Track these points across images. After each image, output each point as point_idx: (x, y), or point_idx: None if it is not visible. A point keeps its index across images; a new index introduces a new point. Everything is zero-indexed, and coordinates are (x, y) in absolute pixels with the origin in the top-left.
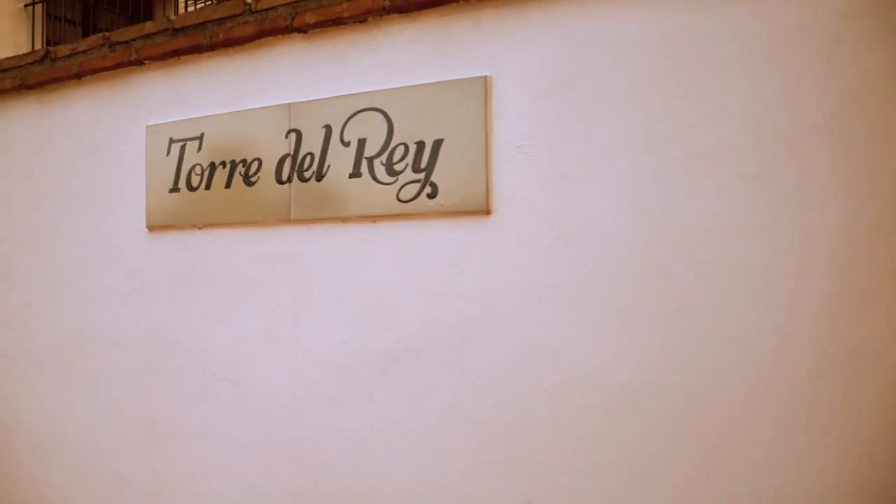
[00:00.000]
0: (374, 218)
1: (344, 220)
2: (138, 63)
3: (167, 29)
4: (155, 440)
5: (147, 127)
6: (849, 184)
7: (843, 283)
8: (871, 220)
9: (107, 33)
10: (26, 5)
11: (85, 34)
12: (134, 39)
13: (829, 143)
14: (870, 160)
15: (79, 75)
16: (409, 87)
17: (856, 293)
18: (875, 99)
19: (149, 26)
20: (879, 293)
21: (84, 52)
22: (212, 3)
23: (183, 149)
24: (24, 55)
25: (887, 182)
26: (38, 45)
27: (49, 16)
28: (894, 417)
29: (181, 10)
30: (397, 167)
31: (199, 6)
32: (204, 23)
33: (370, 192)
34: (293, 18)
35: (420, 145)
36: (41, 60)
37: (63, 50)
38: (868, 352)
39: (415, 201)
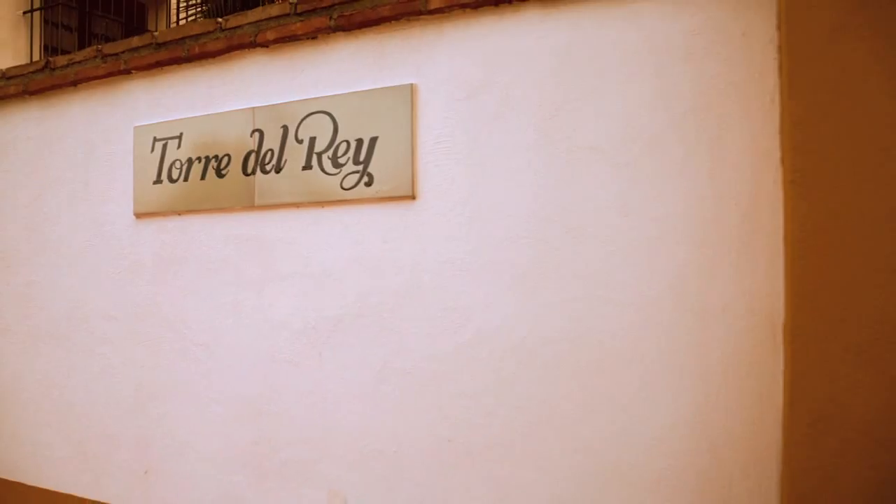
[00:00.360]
0: (322, 203)
1: (298, 205)
2: (126, 72)
3: (151, 43)
4: (141, 401)
5: (134, 128)
6: (697, 170)
7: (695, 252)
8: (715, 201)
9: (99, 46)
10: (25, 12)
11: (81, 40)
12: (123, 52)
13: (683, 136)
14: (713, 151)
15: (75, 83)
16: (351, 93)
17: (704, 260)
18: (717, 100)
19: (135, 41)
20: (723, 260)
21: (79, 62)
22: (196, 13)
23: (165, 146)
24: (27, 65)
25: (727, 168)
26: (36, 51)
27: (47, 22)
28: (735, 358)
29: (173, 16)
30: (341, 160)
31: (186, 18)
32: (182, 38)
33: (319, 182)
34: (256, 35)
35: (359, 142)
36: (42, 70)
37: (61, 60)
38: (715, 307)
39: (355, 189)
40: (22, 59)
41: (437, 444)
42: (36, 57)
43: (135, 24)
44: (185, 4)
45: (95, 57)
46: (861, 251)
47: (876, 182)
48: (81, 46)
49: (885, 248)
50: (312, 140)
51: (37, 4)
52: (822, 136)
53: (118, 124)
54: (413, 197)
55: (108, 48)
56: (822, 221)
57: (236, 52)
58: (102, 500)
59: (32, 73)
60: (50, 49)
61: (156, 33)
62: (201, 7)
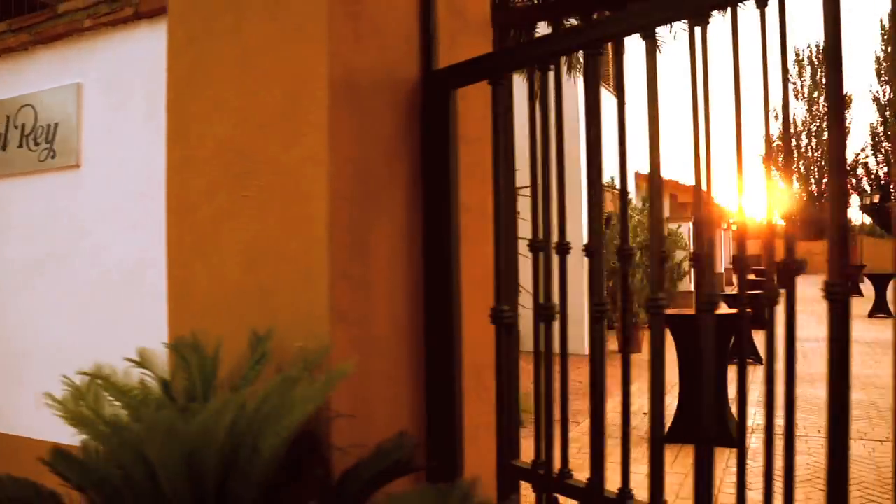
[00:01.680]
0: (30, 172)
1: (15, 175)
2: None
3: None
4: None
5: None
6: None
7: None
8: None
9: None
10: None
11: None
12: None
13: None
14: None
15: None
16: (45, 90)
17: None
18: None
19: None
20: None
21: None
22: None
23: None
24: None
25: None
26: None
27: None
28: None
29: None
30: (39, 140)
31: None
32: None
33: (27, 157)
34: None
35: (49, 126)
36: None
37: None
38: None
39: (46, 161)
40: None
41: (109, 352)
42: None
43: None
44: None
45: None
46: (196, 185)
47: (205, 139)
48: None
49: (205, 180)
50: (23, 126)
51: None
52: (183, 117)
53: None
54: (78, 166)
55: None
56: (181, 161)
57: None
58: None
59: None
60: None
61: None
62: None
